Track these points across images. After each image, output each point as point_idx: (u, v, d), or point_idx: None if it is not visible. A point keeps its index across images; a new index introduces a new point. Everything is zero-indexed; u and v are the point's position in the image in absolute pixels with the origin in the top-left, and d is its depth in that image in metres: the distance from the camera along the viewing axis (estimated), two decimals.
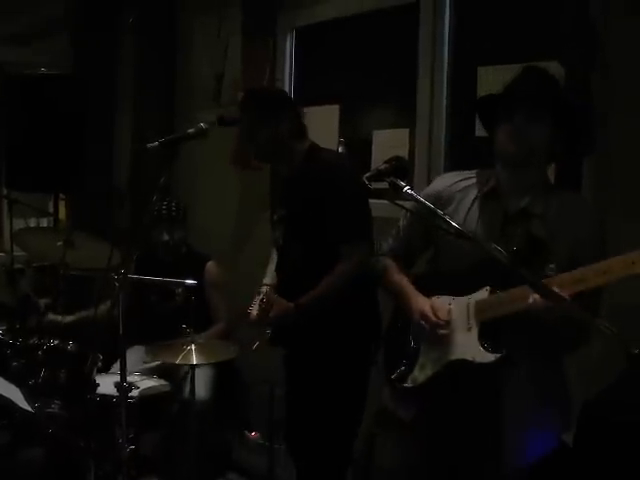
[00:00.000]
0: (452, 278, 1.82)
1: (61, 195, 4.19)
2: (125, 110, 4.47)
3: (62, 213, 4.32)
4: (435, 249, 1.96)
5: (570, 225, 1.72)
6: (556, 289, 1.49)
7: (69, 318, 3.27)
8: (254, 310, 2.45)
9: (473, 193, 1.86)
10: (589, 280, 1.51)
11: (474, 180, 1.89)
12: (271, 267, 2.59)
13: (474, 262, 1.73)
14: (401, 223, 2.02)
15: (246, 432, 3.41)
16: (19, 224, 3.75)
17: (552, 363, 1.81)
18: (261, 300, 2.41)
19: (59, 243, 2.81)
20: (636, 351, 1.15)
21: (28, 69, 3.86)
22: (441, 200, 1.86)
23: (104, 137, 4.48)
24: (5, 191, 3.74)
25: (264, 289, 2.49)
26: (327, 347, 2.33)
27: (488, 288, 1.74)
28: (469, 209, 1.84)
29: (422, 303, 1.83)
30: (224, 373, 3.20)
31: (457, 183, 1.90)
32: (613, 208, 2.42)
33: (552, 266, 1.59)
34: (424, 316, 1.80)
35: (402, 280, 1.95)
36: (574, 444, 1.84)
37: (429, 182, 2.95)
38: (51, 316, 3.22)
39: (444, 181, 1.95)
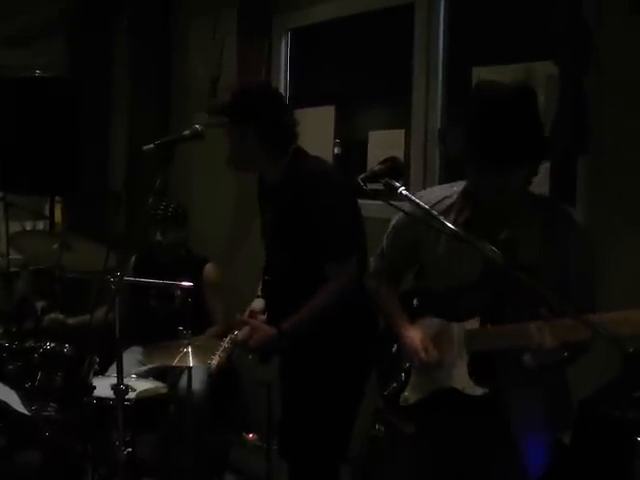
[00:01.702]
0: (439, 299, 1.79)
1: (57, 198, 4.18)
2: (121, 112, 4.47)
3: (58, 216, 4.31)
4: (421, 266, 1.92)
5: (557, 248, 1.67)
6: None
7: (72, 319, 3.26)
8: (214, 360, 2.39)
9: (451, 219, 1.73)
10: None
11: (454, 199, 1.80)
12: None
13: (462, 284, 1.71)
14: (384, 243, 1.99)
15: (244, 434, 3.40)
16: (15, 227, 3.75)
17: (555, 377, 1.77)
18: (223, 349, 2.36)
19: (55, 246, 2.81)
20: (631, 350, 1.16)
21: (23, 71, 3.86)
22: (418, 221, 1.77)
23: (99, 139, 4.48)
24: (0, 194, 3.74)
25: (229, 338, 2.40)
26: (322, 349, 2.29)
27: (478, 318, 1.71)
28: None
29: (413, 338, 1.79)
30: (221, 375, 3.20)
31: (442, 202, 1.81)
32: (608, 208, 2.43)
33: (543, 309, 1.53)
34: (416, 355, 1.77)
35: (391, 308, 1.92)
36: (571, 442, 1.85)
37: (425, 182, 2.98)
38: (55, 315, 3.20)
39: (431, 198, 1.82)
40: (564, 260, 1.67)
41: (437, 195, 1.84)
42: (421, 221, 1.72)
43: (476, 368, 1.70)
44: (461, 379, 1.71)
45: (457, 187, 1.82)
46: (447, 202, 1.80)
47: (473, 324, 1.71)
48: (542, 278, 1.51)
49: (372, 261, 2.06)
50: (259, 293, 2.49)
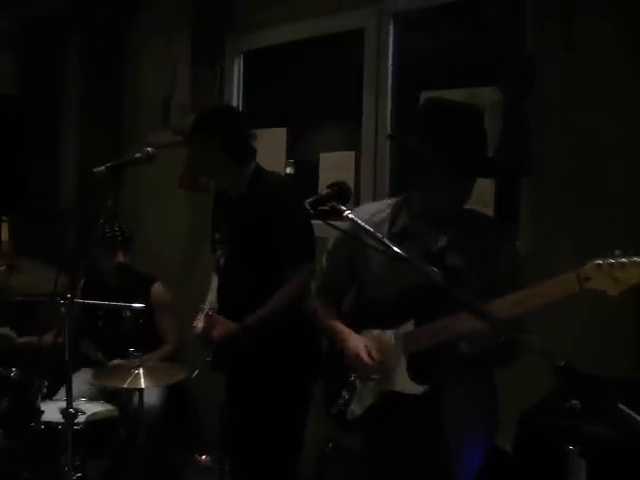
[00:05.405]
0: (377, 311, 1.85)
1: (4, 217, 4.11)
2: (71, 130, 4.42)
3: (5, 235, 4.23)
4: (359, 283, 1.98)
5: (486, 258, 1.76)
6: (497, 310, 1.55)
7: (21, 339, 3.19)
8: (199, 323, 2.43)
9: (384, 230, 1.84)
10: (528, 302, 1.56)
11: (387, 212, 1.90)
12: (212, 291, 2.56)
13: (397, 293, 1.78)
14: (323, 262, 2.06)
15: (196, 455, 3.37)
16: None
17: (483, 377, 1.88)
18: (206, 314, 2.40)
19: (2, 267, 2.77)
20: (562, 364, 1.22)
21: None
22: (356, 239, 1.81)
23: (49, 157, 4.43)
24: None
25: (208, 305, 2.46)
26: (267, 373, 2.34)
27: (413, 321, 1.78)
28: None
29: (356, 343, 1.85)
30: (174, 395, 3.18)
31: (376, 214, 1.90)
32: (550, 227, 2.52)
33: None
34: (358, 358, 1.82)
35: (333, 322, 1.97)
36: (513, 451, 1.92)
37: None
38: (3, 330, 3.12)
39: (366, 212, 1.91)
40: (492, 269, 1.76)
41: (372, 209, 1.94)
42: (360, 239, 1.76)
43: (415, 368, 1.77)
44: (401, 381, 1.78)
45: (390, 201, 1.94)
46: (381, 215, 1.90)
47: (408, 327, 1.79)
48: (467, 282, 1.65)
49: (313, 283, 2.13)
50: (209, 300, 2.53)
